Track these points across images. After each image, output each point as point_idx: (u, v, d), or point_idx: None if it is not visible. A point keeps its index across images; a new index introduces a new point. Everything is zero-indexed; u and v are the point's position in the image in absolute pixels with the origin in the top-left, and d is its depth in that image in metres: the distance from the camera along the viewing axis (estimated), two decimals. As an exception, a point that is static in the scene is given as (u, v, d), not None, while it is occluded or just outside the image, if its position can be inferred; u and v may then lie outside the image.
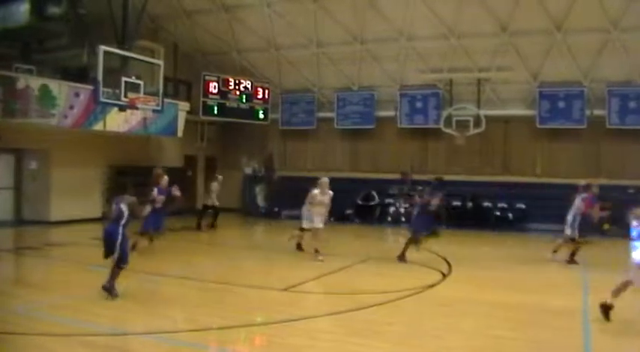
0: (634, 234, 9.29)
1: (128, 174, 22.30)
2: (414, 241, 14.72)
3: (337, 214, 24.86)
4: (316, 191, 14.80)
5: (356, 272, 13.50)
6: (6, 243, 17.04)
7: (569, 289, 11.84)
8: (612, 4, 20.10)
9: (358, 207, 25.77)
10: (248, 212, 27.02)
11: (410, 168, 25.43)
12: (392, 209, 25.38)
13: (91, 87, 17.71)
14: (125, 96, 16.56)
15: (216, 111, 26.10)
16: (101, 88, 15.88)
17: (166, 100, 20.17)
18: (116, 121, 20.30)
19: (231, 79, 26.35)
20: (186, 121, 24.24)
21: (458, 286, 11.93)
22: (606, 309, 8.89)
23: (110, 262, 9.54)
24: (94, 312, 8.60)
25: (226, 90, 26.20)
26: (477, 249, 18.52)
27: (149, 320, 8.33)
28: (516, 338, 8.13)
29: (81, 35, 20.06)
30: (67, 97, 18.85)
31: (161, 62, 18.87)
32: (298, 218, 24.29)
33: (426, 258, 14.79)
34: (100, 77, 15.77)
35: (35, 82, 17.93)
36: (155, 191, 14.60)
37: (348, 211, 25.66)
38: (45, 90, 18.16)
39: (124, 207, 9.55)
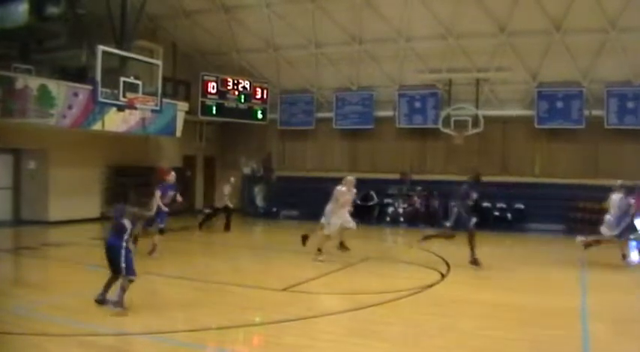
0: None
1: (127, 175, 22.43)
2: (472, 237, 14.11)
3: (336, 214, 24.85)
4: (343, 189, 14.71)
5: (355, 273, 13.49)
6: (4, 243, 17.04)
7: (568, 289, 11.85)
8: (611, 4, 20.10)
9: (357, 207, 25.67)
10: (246, 212, 27.01)
11: (409, 168, 25.45)
12: (391, 209, 25.39)
13: (89, 87, 17.69)
14: (124, 96, 16.55)
15: (214, 112, 26.09)
16: (100, 88, 15.88)
17: (165, 100, 20.16)
18: (115, 121, 20.27)
19: (229, 79, 26.35)
20: (185, 121, 24.21)
21: (456, 286, 11.92)
22: None
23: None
24: (93, 313, 8.57)
25: (225, 90, 26.20)
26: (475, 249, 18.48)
27: (148, 320, 8.32)
28: (516, 338, 8.12)
29: (79, 35, 20.05)
30: (66, 97, 18.83)
31: (160, 62, 18.89)
32: (297, 218, 24.40)
33: (425, 259, 14.78)
34: (99, 77, 15.76)
35: (34, 82, 17.92)
36: (158, 192, 14.45)
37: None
38: (44, 90, 18.14)
39: (126, 222, 9.01)
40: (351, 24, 23.69)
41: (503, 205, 23.88)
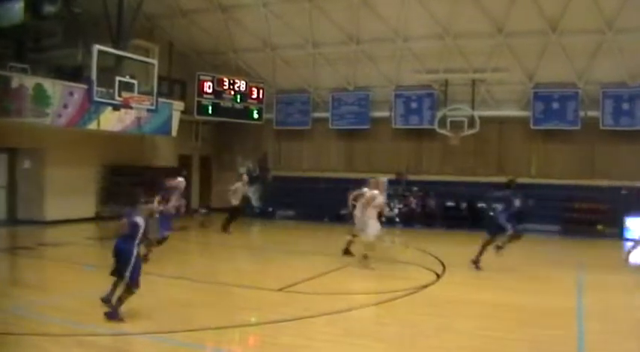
0: None
1: (122, 174, 22.44)
2: (516, 238, 13.99)
3: (332, 214, 24.96)
4: (376, 192, 14.19)
5: (350, 273, 13.55)
6: (0, 243, 17.04)
7: (564, 289, 11.93)
8: (607, 5, 20.18)
9: (354, 207, 25.75)
10: (242, 212, 27.00)
11: (405, 168, 25.52)
12: (386, 209, 25.37)
13: (85, 86, 17.68)
14: (119, 95, 16.55)
15: (210, 111, 26.10)
16: (95, 87, 15.87)
17: (161, 100, 20.14)
18: (110, 121, 20.28)
19: (225, 79, 26.36)
20: (181, 121, 24.23)
21: (452, 287, 12.00)
22: None
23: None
24: (92, 313, 8.56)
25: (221, 89, 26.21)
26: (470, 250, 18.54)
27: (145, 320, 8.36)
28: (513, 338, 8.19)
29: (75, 34, 20.03)
30: (62, 96, 18.85)
31: (155, 61, 18.88)
32: (293, 218, 24.41)
33: (420, 259, 14.85)
34: (94, 76, 15.76)
35: (29, 81, 17.91)
36: (159, 196, 13.55)
37: (343, 212, 25.66)
38: (39, 89, 18.15)
39: (139, 220, 8.43)
40: (348, 24, 23.74)
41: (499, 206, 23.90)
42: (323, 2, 22.96)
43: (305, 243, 19.47)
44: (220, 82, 26.20)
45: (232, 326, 8.34)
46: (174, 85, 25.40)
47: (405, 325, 8.95)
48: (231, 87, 26.52)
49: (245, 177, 21.15)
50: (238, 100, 26.73)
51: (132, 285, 8.24)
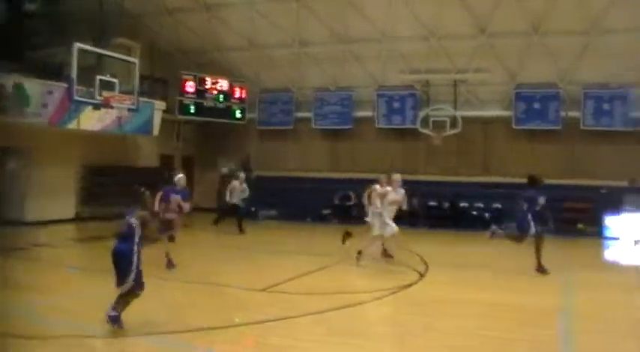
0: None
1: (103, 174, 22.25)
2: (520, 240, 13.70)
3: (315, 214, 24.92)
4: (388, 188, 13.83)
5: (335, 272, 13.49)
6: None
7: (548, 288, 11.94)
8: (590, 6, 20.31)
9: (336, 207, 25.80)
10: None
11: (388, 168, 25.47)
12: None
13: (65, 85, 17.50)
14: (99, 94, 16.41)
15: (192, 111, 25.97)
16: (75, 86, 15.72)
17: (142, 99, 20.02)
18: (91, 120, 20.04)
19: (208, 78, 26.24)
20: (163, 120, 24.05)
21: (435, 286, 11.96)
22: None
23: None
24: (79, 313, 8.51)
25: (203, 89, 26.11)
26: (453, 249, 18.63)
27: (135, 321, 8.20)
28: (495, 337, 8.16)
29: (57, 32, 19.83)
30: (41, 95, 18.61)
31: (136, 60, 18.72)
32: (276, 218, 24.29)
33: (404, 258, 14.80)
34: (74, 75, 15.60)
35: (9, 80, 17.67)
36: (160, 194, 13.12)
37: (326, 211, 25.69)
38: (19, 88, 17.92)
39: (134, 222, 8.04)
40: (334, 24, 23.72)
41: (481, 205, 24.06)
42: (310, 2, 22.92)
43: (288, 243, 19.37)
44: (203, 81, 26.09)
45: (217, 327, 8.22)
46: (157, 84, 25.21)
47: (390, 324, 8.92)
48: (214, 86, 26.39)
49: (242, 176, 20.93)
50: (221, 100, 26.65)
51: (137, 286, 7.85)
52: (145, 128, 23.13)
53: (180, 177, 13.78)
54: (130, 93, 17.67)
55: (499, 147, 24.74)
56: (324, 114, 26.92)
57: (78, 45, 15.57)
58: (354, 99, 26.53)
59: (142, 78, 19.94)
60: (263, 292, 10.67)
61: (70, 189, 22.52)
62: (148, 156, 25.88)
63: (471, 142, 24.68)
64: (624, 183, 22.64)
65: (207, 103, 26.25)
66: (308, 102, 27.40)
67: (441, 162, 24.53)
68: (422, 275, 12.85)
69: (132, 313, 7.91)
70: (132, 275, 7.74)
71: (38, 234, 18.72)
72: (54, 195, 21.40)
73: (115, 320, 7.69)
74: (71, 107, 18.87)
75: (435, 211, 24.39)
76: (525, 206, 13.64)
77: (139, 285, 7.87)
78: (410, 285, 11.71)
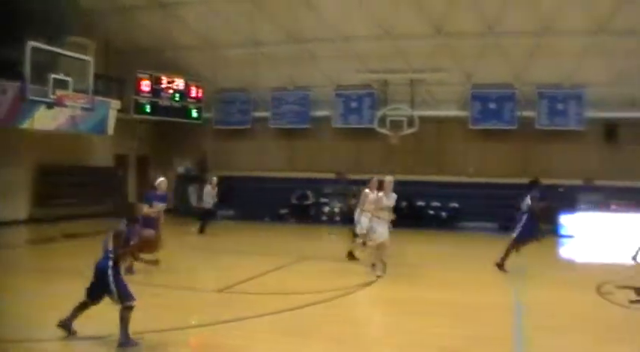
0: None
1: (57, 174, 21.91)
2: (518, 247, 13.86)
3: (272, 214, 24.91)
4: (380, 193, 13.22)
5: (291, 272, 13.57)
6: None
7: (501, 286, 12.23)
8: (543, 8, 20.67)
9: (293, 206, 25.85)
10: (181, 212, 26.64)
11: (345, 167, 25.63)
12: (327, 208, 25.58)
13: (17, 83, 17.19)
14: (53, 93, 16.17)
15: (148, 110, 25.72)
16: (28, 85, 15.48)
17: (97, 98, 19.80)
18: (44, 119, 19.72)
19: (164, 77, 26.03)
20: (118, 120, 23.75)
21: (392, 285, 12.11)
22: None
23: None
24: (31, 317, 8.42)
25: (159, 88, 25.88)
26: (411, 248, 18.76)
27: (85, 324, 8.11)
28: (450, 334, 8.36)
29: (9, 30, 19.46)
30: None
31: (91, 59, 18.49)
32: (233, 218, 24.23)
33: (362, 257, 14.89)
34: (28, 74, 15.37)
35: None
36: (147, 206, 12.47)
37: (283, 211, 25.73)
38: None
39: (108, 239, 7.60)
40: (290, 23, 23.73)
41: (438, 204, 24.33)
42: (265, 1, 22.88)
43: (246, 243, 19.34)
44: (158, 81, 25.86)
45: (172, 328, 8.17)
46: (112, 82, 24.87)
47: (346, 323, 8.99)
48: (170, 85, 26.19)
49: (214, 180, 20.82)
50: (177, 99, 26.44)
51: (126, 298, 7.40)
52: (100, 127, 22.85)
53: (161, 180, 13.38)
54: (84, 92, 17.44)
55: (454, 146, 25.09)
56: (281, 114, 26.99)
57: (31, 43, 15.32)
58: (312, 99, 26.61)
59: (97, 77, 19.76)
60: (220, 293, 10.68)
61: (24, 190, 22.16)
62: (102, 155, 25.66)
63: (428, 142, 25.00)
64: (579, 182, 23.15)
65: (163, 103, 26.05)
66: (265, 101, 27.37)
67: (398, 161, 24.72)
68: (379, 275, 12.93)
69: (87, 316, 7.82)
70: (113, 289, 7.37)
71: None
72: (6, 196, 20.99)
73: (125, 346, 7.31)
74: (25, 106, 18.53)
75: (393, 210, 24.51)
76: (533, 207, 13.88)
77: (127, 297, 7.42)
78: (368, 284, 11.81)
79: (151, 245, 8.88)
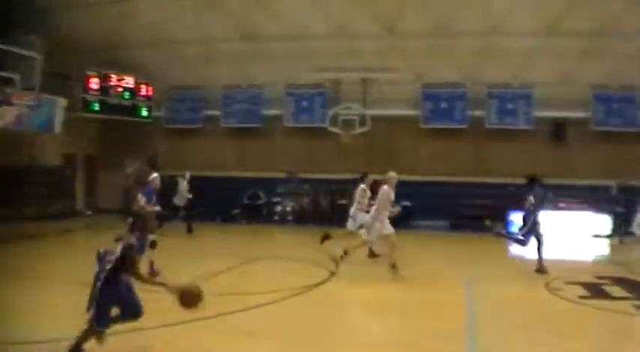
0: None
1: (2, 174, 21.45)
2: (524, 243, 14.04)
3: (224, 214, 24.79)
4: (387, 188, 12.99)
5: (244, 272, 13.57)
6: None
7: (453, 283, 12.43)
8: (493, 9, 21.01)
9: (245, 206, 25.79)
10: (129, 213, 26.21)
11: (297, 167, 25.67)
12: (279, 208, 25.58)
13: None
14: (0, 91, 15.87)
15: (97, 108, 25.38)
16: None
17: (44, 96, 19.44)
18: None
19: (113, 75, 25.74)
20: (66, 118, 23.38)
21: (346, 283, 12.20)
22: None
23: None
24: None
25: (108, 86, 25.59)
26: (364, 246, 18.85)
27: (20, 328, 7.95)
28: (406, 331, 8.53)
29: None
30: None
31: (39, 56, 18.17)
32: (183, 218, 23.84)
33: (314, 257, 14.95)
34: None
35: None
36: (141, 196, 12.27)
37: (235, 211, 25.65)
38: None
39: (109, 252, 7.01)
40: (242, 21, 23.65)
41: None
42: (218, -2, 22.79)
43: (197, 244, 19.20)
44: (107, 78, 25.55)
45: (122, 331, 8.01)
46: (60, 80, 24.46)
47: (299, 323, 9.03)
48: (119, 83, 25.89)
49: (188, 175, 20.53)
50: (126, 97, 26.14)
51: (95, 319, 6.82)
52: (47, 126, 22.53)
53: (155, 176, 13.04)
54: (31, 89, 17.11)
55: (405, 145, 25.38)
56: (232, 113, 26.95)
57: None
58: (263, 98, 26.56)
59: (45, 74, 19.37)
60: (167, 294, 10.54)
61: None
62: (50, 155, 25.26)
63: (380, 141, 25.21)
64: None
65: (112, 101, 25.78)
66: (216, 100, 27.26)
67: (350, 160, 24.85)
68: (333, 274, 13.00)
69: (20, 319, 7.66)
70: (93, 304, 6.81)
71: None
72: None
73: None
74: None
75: (345, 209, 24.64)
76: (538, 205, 13.96)
77: (97, 319, 6.83)
78: (320, 284, 11.86)
79: (192, 297, 7.38)
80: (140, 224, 7.32)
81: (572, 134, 24.22)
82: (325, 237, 16.01)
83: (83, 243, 18.86)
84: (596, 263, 17.10)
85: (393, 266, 12.61)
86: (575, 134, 24.18)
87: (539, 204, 13.97)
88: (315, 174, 25.84)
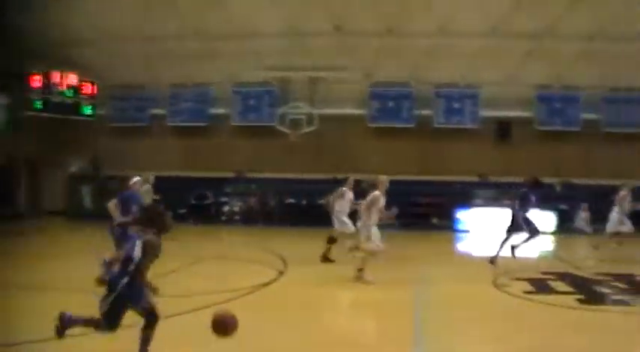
0: None
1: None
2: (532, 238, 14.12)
3: (171, 214, 24.44)
4: (377, 192, 12.55)
5: (190, 274, 13.38)
6: None
7: (401, 282, 12.53)
8: (441, 9, 21.27)
9: (192, 206, 25.53)
10: (74, 214, 25.80)
11: (244, 166, 25.55)
12: (227, 208, 25.39)
13: None
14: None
15: (39, 107, 24.80)
16: None
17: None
18: None
19: (56, 73, 25.15)
20: (7, 117, 22.79)
21: (294, 283, 12.18)
22: None
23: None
24: None
25: (51, 84, 25.02)
26: (313, 246, 18.85)
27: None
28: (353, 330, 8.59)
29: None
30: None
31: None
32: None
33: (262, 257, 14.90)
34: None
35: None
36: (114, 202, 11.88)
37: (182, 211, 25.35)
38: None
39: (136, 248, 6.71)
40: (190, 18, 23.44)
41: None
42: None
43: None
44: (50, 76, 24.97)
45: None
46: (1, 79, 23.83)
47: (245, 324, 8.91)
48: (63, 81, 25.33)
49: (151, 176, 19.95)
50: (69, 96, 25.61)
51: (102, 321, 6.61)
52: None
53: (137, 179, 12.70)
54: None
55: (353, 144, 25.50)
56: (179, 111, 26.68)
57: None
58: (211, 96, 26.36)
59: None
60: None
61: None
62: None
63: (329, 140, 25.27)
64: (474, 179, 23.98)
65: (55, 99, 25.24)
66: (163, 98, 26.94)
67: (298, 159, 24.87)
68: (281, 274, 12.96)
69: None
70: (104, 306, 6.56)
71: None
72: None
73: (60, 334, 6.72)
74: None
75: (293, 209, 24.67)
76: (518, 205, 14.18)
77: (103, 320, 6.58)
78: (268, 284, 11.81)
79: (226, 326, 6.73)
80: (157, 220, 6.94)
81: (517, 133, 24.74)
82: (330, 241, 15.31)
83: (24, 246, 18.43)
84: (542, 259, 17.41)
85: (360, 270, 12.31)
86: (520, 133, 24.71)
87: (523, 204, 14.13)
88: (263, 173, 25.75)
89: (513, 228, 14.25)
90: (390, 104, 25.03)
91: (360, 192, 13.58)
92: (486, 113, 24.56)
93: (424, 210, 23.76)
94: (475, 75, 24.20)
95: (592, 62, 23.14)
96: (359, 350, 7.91)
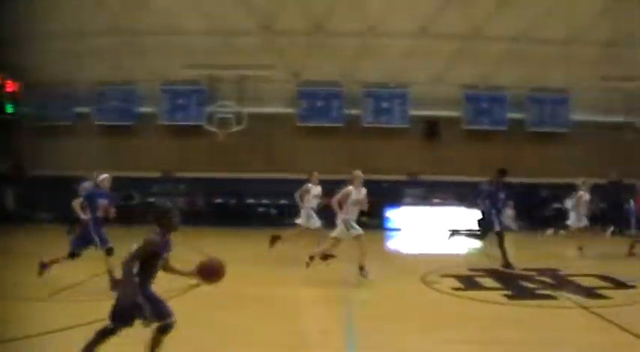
0: None
1: None
2: (501, 240, 14.28)
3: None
4: (350, 187, 12.76)
5: (118, 276, 13.02)
6: None
7: (330, 280, 12.59)
8: (370, 9, 21.46)
9: (118, 207, 24.94)
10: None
11: (172, 166, 25.25)
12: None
13: None
14: None
15: (-44, 105, 24.00)
16: None
17: None
18: None
19: (-25, 70, 24.40)
20: None
21: (225, 284, 11.92)
22: None
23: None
24: None
25: (-32, 81, 24.19)
26: (241, 246, 18.79)
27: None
28: (283, 330, 8.61)
29: None
30: None
31: None
32: (52, 222, 22.94)
33: (192, 258, 14.64)
34: None
35: None
36: (79, 200, 12.04)
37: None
38: None
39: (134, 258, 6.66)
40: (115, 14, 23.08)
41: (268, 201, 24.49)
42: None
43: (65, 247, 18.41)
44: (-32, 73, 24.18)
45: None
46: None
47: (179, 323, 8.78)
48: (-19, 78, 24.56)
49: (106, 176, 19.28)
50: (-10, 93, 24.82)
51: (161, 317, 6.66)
52: None
53: (104, 177, 12.42)
54: None
55: (283, 143, 25.55)
56: (105, 110, 26.21)
57: None
58: (138, 95, 25.93)
59: None
60: (45, 302, 10.04)
61: None
62: None
63: (258, 139, 25.23)
64: (403, 177, 24.25)
65: (-26, 97, 24.37)
66: (89, 97, 26.39)
67: (227, 159, 24.71)
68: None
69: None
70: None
71: None
72: None
73: None
74: None
75: (222, 208, 24.50)
76: (488, 202, 14.40)
77: (115, 317, 6.55)
78: (198, 284, 11.61)
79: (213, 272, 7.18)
80: (165, 221, 6.74)
81: (446, 132, 25.17)
82: (274, 239, 16.01)
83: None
84: (470, 256, 17.69)
85: (362, 268, 12.48)
86: (448, 132, 25.15)
87: (493, 202, 14.34)
88: (191, 173, 25.47)
89: (487, 227, 14.67)
90: (319, 103, 25.16)
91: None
92: (415, 112, 24.95)
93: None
94: (404, 74, 24.56)
95: (516, 63, 23.71)
96: (286, 350, 7.91)
